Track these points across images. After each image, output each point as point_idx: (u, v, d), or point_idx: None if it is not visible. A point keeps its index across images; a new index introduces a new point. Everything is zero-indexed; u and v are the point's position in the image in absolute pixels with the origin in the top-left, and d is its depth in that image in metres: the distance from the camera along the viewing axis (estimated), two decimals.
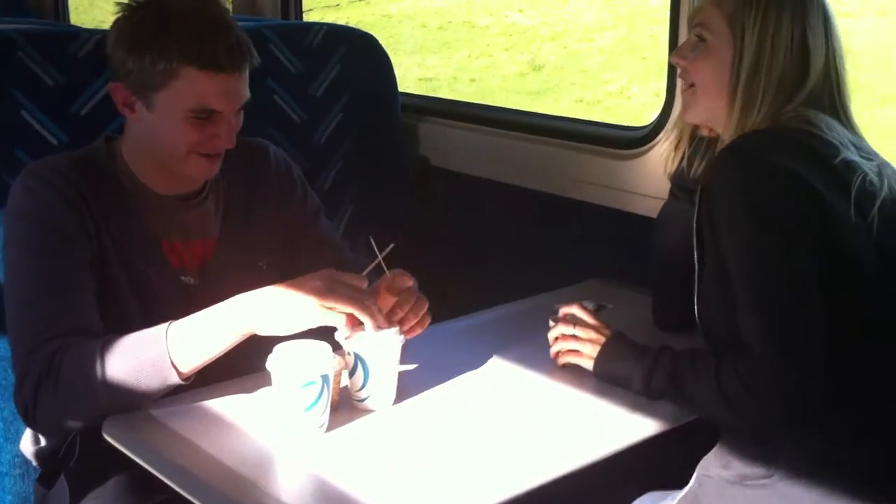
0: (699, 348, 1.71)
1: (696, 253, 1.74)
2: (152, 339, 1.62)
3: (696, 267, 1.74)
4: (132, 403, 1.64)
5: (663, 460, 1.75)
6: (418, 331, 1.78)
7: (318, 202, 2.12)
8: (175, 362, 1.61)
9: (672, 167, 1.95)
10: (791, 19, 1.71)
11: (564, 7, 12.01)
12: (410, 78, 10.02)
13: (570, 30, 11.44)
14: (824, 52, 1.73)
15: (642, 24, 10.94)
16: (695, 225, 1.74)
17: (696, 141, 1.90)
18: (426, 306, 1.78)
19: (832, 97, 1.74)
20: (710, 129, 1.84)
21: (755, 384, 1.54)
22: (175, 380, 1.62)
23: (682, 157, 1.91)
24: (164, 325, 1.63)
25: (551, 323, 1.89)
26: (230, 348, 1.64)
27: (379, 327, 1.63)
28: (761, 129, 1.71)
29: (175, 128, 1.75)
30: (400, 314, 1.73)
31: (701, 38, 1.78)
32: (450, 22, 12.39)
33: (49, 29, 2.78)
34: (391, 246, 1.73)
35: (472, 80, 10.47)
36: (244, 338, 1.64)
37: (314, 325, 1.61)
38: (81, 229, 1.75)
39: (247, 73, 1.79)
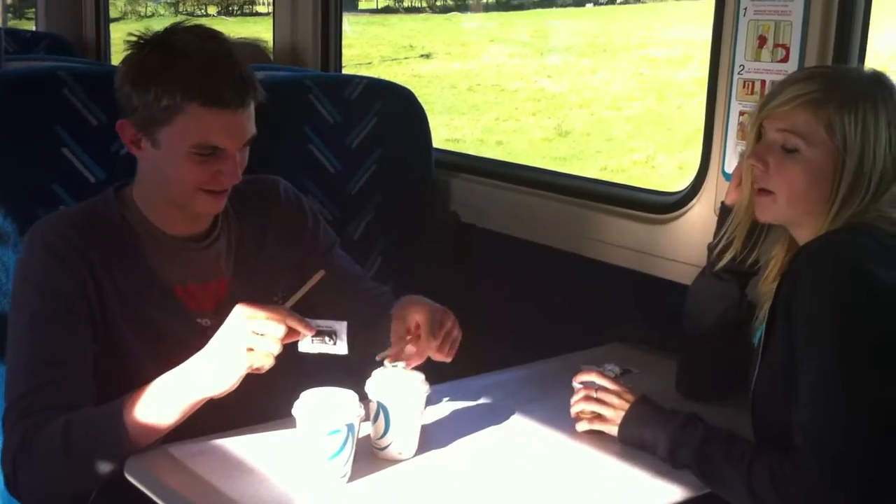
0: (736, 434, 1.67)
1: (762, 337, 1.71)
2: (109, 421, 1.64)
3: (760, 351, 1.71)
4: (101, 478, 1.66)
5: None
6: (447, 359, 1.79)
7: (334, 236, 2.11)
8: (135, 440, 1.63)
9: (724, 262, 1.88)
10: (886, 122, 1.65)
11: (594, 75, 12.13)
12: (437, 138, 10.08)
13: (598, 97, 11.54)
14: None
15: (671, 96, 11.03)
16: (768, 309, 1.70)
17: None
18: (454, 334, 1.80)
19: None
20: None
21: (788, 489, 1.51)
22: (137, 451, 1.64)
23: (736, 252, 1.86)
24: (117, 403, 1.64)
25: (575, 385, 1.87)
26: (189, 415, 1.65)
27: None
28: (847, 226, 1.65)
29: (180, 164, 1.74)
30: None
31: (791, 146, 1.68)
32: (479, 84, 12.53)
33: (94, 69, 2.84)
34: (320, 273, 1.73)
35: (499, 143, 10.56)
36: (200, 404, 1.64)
37: (245, 371, 1.60)
38: (81, 294, 1.75)
39: (251, 110, 1.77)
